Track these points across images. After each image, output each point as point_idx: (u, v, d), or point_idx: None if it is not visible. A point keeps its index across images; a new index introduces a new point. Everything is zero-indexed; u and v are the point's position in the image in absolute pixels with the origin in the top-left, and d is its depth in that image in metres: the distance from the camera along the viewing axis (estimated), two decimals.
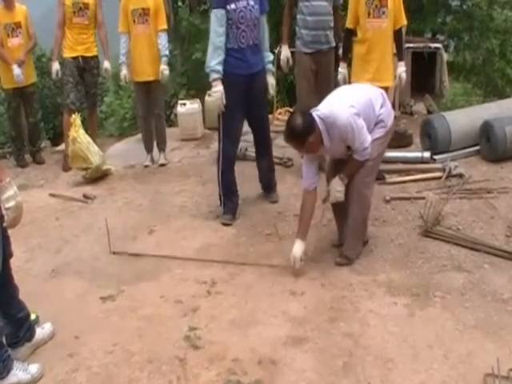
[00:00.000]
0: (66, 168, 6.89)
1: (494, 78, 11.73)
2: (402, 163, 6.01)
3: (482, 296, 3.68)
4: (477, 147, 6.17)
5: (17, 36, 7.13)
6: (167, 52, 6.64)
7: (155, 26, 6.52)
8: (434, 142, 6.12)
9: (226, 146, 5.05)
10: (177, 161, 6.95)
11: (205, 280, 4.07)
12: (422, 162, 5.96)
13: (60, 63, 6.95)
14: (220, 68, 4.75)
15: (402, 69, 5.44)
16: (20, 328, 3.34)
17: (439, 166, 5.75)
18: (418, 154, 6.06)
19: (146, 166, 6.80)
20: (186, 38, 9.72)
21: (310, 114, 3.80)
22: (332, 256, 4.27)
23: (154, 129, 6.92)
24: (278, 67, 6.27)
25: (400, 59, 5.49)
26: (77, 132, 6.30)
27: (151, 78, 6.56)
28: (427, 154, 6.00)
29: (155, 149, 6.95)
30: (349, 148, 3.93)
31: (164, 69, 6.53)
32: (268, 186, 5.51)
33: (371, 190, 4.18)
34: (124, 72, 6.58)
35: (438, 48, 8.71)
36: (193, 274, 4.18)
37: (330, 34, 5.74)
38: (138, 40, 6.51)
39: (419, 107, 8.39)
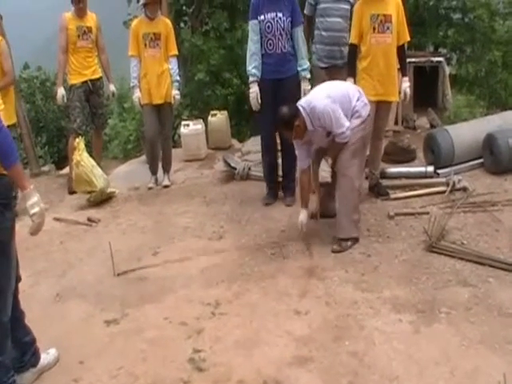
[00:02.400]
0: (71, 191, 6.89)
1: (497, 90, 11.72)
2: (405, 178, 6.00)
3: (488, 310, 3.66)
4: (480, 160, 6.16)
5: None
6: (178, 77, 6.77)
7: (166, 51, 6.62)
8: (438, 156, 6.11)
9: (263, 139, 5.87)
10: (180, 182, 6.96)
11: (209, 301, 4.06)
12: (426, 177, 5.95)
13: (66, 89, 6.91)
14: (256, 71, 5.50)
15: (406, 84, 5.52)
16: (25, 353, 3.34)
17: (443, 180, 5.74)
18: (422, 169, 6.06)
19: (150, 188, 6.81)
20: (189, 58, 9.76)
21: (294, 104, 4.57)
22: (336, 274, 4.26)
23: (161, 150, 6.96)
24: None
25: (404, 74, 5.57)
26: (80, 156, 6.32)
27: (161, 101, 6.63)
28: (431, 169, 6.00)
29: (160, 170, 6.97)
30: (328, 134, 4.60)
31: (176, 94, 6.69)
32: (286, 187, 5.87)
33: (355, 173, 4.65)
34: (137, 95, 6.60)
35: (439, 62, 8.72)
36: (197, 295, 4.17)
37: (345, 49, 5.80)
38: (148, 64, 6.57)
39: (422, 121, 8.38)
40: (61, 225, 5.92)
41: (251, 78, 5.54)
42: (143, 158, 7.38)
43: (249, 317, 3.83)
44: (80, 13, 6.82)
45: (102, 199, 6.41)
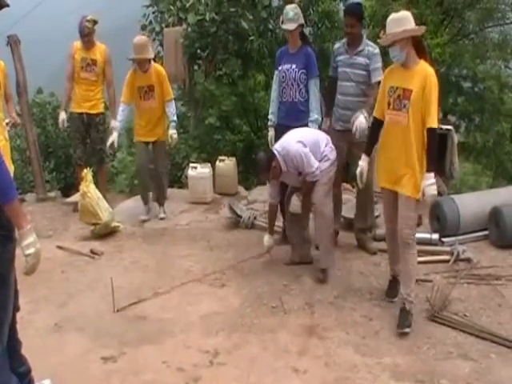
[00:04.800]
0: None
1: (504, 161, 11.85)
2: None
3: None
4: (486, 232, 6.16)
5: None
6: (175, 118, 6.96)
7: (161, 98, 6.78)
8: (443, 224, 6.13)
9: None
10: (185, 223, 6.96)
11: (208, 349, 4.04)
12: (431, 244, 5.93)
13: (68, 117, 7.12)
14: (272, 117, 5.98)
15: (427, 182, 4.10)
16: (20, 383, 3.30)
17: (447, 249, 5.72)
18: (427, 236, 6.04)
19: (143, 221, 6.96)
20: (201, 102, 9.85)
21: (270, 150, 5.13)
22: (337, 335, 4.23)
23: (156, 185, 7.16)
24: None
25: (427, 169, 4.17)
26: (87, 187, 6.34)
27: (153, 139, 6.83)
28: (436, 236, 5.99)
29: (155, 205, 7.20)
30: (300, 174, 5.06)
31: (173, 133, 6.85)
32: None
33: (328, 207, 5.18)
34: (114, 139, 6.71)
35: (448, 130, 8.78)
36: (196, 342, 4.15)
37: None
38: (145, 113, 6.81)
39: None
40: (63, 253, 5.92)
41: (269, 122, 6.05)
42: (149, 194, 7.36)
43: (247, 370, 3.80)
44: (87, 45, 7.00)
45: (106, 232, 6.43)
